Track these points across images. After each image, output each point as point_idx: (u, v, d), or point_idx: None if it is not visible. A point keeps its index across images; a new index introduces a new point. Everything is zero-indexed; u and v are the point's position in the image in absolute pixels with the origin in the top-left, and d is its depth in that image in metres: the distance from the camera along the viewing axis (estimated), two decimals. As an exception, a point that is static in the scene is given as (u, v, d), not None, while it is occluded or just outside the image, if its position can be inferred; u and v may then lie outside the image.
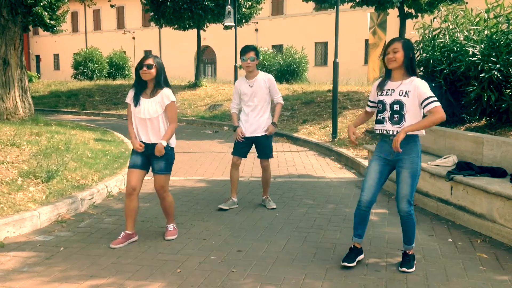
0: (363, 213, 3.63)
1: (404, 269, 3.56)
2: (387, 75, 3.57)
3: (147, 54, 4.21)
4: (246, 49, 4.97)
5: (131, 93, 4.10)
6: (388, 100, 3.47)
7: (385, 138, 3.56)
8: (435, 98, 3.38)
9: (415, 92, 3.39)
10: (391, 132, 3.47)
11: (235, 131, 5.15)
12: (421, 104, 3.39)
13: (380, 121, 3.53)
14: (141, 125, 4.06)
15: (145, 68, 3.94)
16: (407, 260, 3.62)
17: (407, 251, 3.67)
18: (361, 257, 3.71)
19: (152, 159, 4.09)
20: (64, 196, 5.02)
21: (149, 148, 4.06)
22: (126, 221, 4.15)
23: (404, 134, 3.33)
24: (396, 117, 3.44)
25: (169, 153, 4.10)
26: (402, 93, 3.42)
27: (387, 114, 3.48)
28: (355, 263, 3.62)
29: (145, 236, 4.33)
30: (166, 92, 4.02)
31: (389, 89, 3.50)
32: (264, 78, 5.04)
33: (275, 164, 7.85)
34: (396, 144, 3.32)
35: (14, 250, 3.93)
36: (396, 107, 3.43)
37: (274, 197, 5.70)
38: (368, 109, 3.77)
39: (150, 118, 4.00)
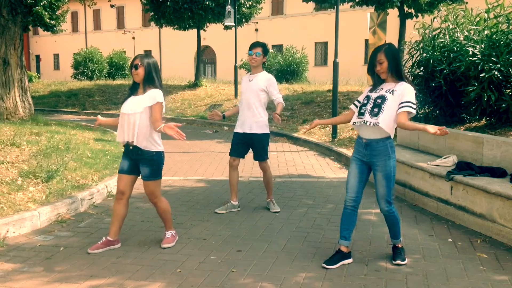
0: (350, 212, 3.72)
1: (398, 261, 3.70)
2: (373, 76, 3.68)
3: (145, 52, 4.09)
4: (254, 44, 5.00)
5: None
6: (374, 95, 3.63)
7: (359, 139, 3.71)
8: (413, 106, 3.49)
9: (401, 93, 3.53)
10: (368, 124, 3.55)
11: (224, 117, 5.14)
12: (399, 104, 3.51)
13: (361, 113, 3.63)
14: (121, 120, 3.91)
15: (133, 69, 3.82)
16: (398, 252, 3.78)
17: (396, 245, 3.83)
18: (347, 261, 3.69)
19: (138, 164, 3.90)
20: (64, 196, 5.02)
21: (132, 153, 3.88)
22: (110, 227, 3.98)
23: None
24: (376, 110, 3.55)
25: (154, 158, 3.86)
26: (389, 90, 3.58)
27: (369, 106, 3.60)
28: (335, 266, 3.61)
29: (145, 236, 4.33)
30: (154, 92, 3.80)
31: (378, 88, 3.66)
32: (265, 78, 4.98)
33: (275, 164, 7.85)
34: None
35: (14, 250, 3.93)
36: (379, 101, 3.56)
37: (274, 197, 5.68)
38: (353, 107, 3.80)
39: (127, 113, 3.81)
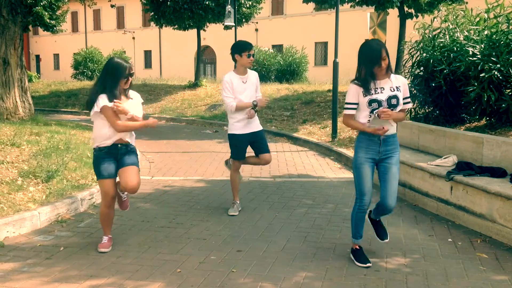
0: (364, 215, 3.76)
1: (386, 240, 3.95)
2: (372, 76, 3.51)
3: (126, 58, 4.12)
4: (250, 45, 4.87)
5: (105, 99, 3.88)
6: (383, 97, 3.54)
7: (372, 137, 3.59)
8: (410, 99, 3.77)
9: (403, 87, 3.63)
10: (393, 124, 3.65)
11: (255, 106, 4.88)
12: (403, 99, 3.62)
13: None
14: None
15: (129, 77, 3.92)
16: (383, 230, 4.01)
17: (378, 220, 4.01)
18: None
19: (123, 157, 3.94)
20: (64, 196, 5.02)
21: (121, 149, 3.95)
22: (105, 228, 4.04)
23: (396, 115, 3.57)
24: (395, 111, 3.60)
25: (135, 149, 4.11)
26: (394, 88, 3.56)
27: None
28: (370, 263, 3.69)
29: (145, 236, 4.33)
30: (135, 93, 4.06)
31: (377, 87, 3.54)
32: (254, 75, 5.05)
33: (275, 164, 7.84)
34: (390, 114, 3.48)
35: (14, 250, 3.93)
36: (394, 101, 3.55)
37: (274, 197, 5.70)
38: (352, 111, 3.61)
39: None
